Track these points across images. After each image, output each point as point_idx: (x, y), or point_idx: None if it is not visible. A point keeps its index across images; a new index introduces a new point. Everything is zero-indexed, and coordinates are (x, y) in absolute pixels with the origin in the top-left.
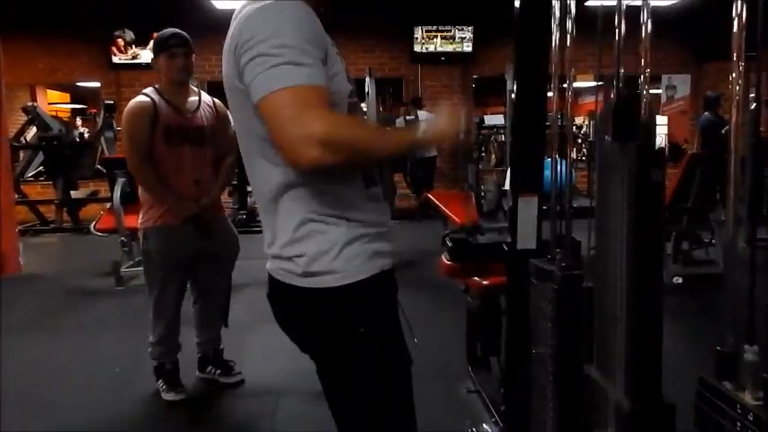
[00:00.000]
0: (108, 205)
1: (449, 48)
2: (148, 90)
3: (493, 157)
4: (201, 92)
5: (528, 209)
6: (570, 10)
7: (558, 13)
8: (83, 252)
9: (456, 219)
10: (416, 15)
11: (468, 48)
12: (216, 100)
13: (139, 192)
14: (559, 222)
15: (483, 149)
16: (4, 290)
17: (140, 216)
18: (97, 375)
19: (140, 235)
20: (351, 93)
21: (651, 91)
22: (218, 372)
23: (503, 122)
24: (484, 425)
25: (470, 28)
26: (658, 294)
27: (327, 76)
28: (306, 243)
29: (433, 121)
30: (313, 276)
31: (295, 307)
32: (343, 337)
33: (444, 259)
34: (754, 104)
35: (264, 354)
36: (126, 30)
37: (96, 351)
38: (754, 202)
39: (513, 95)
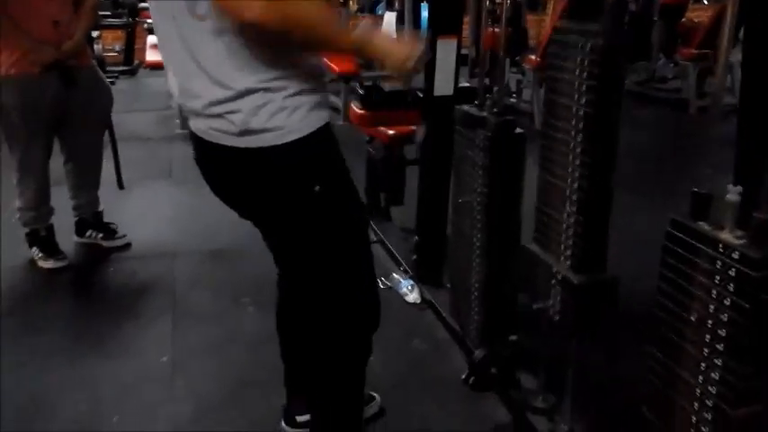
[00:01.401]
0: None
1: None
2: None
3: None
4: None
5: (446, 52)
6: None
7: None
8: None
9: (334, 67)
10: None
11: None
12: None
13: None
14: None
15: None
16: None
17: None
18: None
19: None
20: None
21: None
22: (100, 236)
23: None
24: (394, 274)
25: None
26: (611, 163)
27: None
28: (240, 99)
29: (394, 43)
30: (253, 134)
31: (235, 170)
32: (297, 198)
33: (356, 108)
34: None
35: (148, 213)
36: None
37: None
38: None
39: None
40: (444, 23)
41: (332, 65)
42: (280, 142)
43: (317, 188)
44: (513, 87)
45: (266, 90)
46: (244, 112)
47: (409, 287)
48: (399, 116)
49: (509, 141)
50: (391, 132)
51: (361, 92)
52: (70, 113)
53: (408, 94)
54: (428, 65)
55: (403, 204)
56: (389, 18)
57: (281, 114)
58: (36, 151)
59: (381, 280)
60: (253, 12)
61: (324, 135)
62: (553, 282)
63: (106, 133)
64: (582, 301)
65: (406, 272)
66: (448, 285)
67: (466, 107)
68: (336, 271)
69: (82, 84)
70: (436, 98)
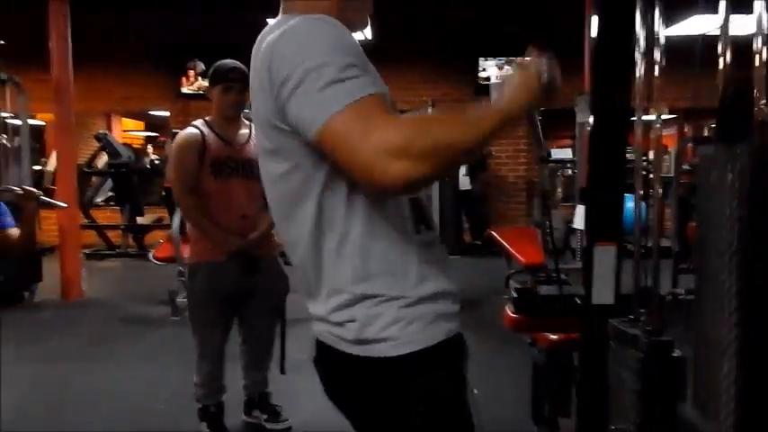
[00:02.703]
0: (169, 233)
1: None
2: (198, 122)
3: (559, 191)
4: (252, 124)
5: (605, 259)
6: (660, 40)
7: (643, 42)
8: (143, 279)
9: (520, 258)
10: (481, 46)
11: None
12: None
13: (187, 225)
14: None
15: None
16: (65, 315)
17: (187, 250)
18: (141, 410)
19: (186, 270)
20: None
21: None
22: (265, 417)
23: (570, 156)
24: None
25: None
26: None
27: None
28: (357, 307)
29: (509, 79)
30: (366, 344)
31: (346, 377)
32: (399, 415)
33: (509, 311)
34: None
35: (315, 398)
36: (197, 61)
37: (144, 384)
38: None
39: (586, 128)
40: (602, 229)
41: (518, 255)
42: (391, 355)
43: (421, 408)
44: None
45: (383, 297)
46: (359, 320)
47: None
48: (555, 322)
49: (664, 366)
50: (553, 337)
51: (514, 294)
52: (250, 298)
53: (567, 299)
54: (586, 271)
55: (570, 417)
56: (580, 211)
57: (398, 325)
58: (215, 332)
59: None
60: (395, 171)
61: (443, 351)
62: None
63: None
64: None
65: None
66: None
67: (617, 321)
68: None
69: (263, 271)
70: (594, 306)
